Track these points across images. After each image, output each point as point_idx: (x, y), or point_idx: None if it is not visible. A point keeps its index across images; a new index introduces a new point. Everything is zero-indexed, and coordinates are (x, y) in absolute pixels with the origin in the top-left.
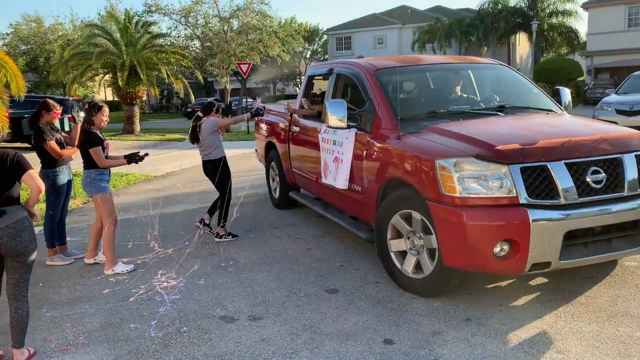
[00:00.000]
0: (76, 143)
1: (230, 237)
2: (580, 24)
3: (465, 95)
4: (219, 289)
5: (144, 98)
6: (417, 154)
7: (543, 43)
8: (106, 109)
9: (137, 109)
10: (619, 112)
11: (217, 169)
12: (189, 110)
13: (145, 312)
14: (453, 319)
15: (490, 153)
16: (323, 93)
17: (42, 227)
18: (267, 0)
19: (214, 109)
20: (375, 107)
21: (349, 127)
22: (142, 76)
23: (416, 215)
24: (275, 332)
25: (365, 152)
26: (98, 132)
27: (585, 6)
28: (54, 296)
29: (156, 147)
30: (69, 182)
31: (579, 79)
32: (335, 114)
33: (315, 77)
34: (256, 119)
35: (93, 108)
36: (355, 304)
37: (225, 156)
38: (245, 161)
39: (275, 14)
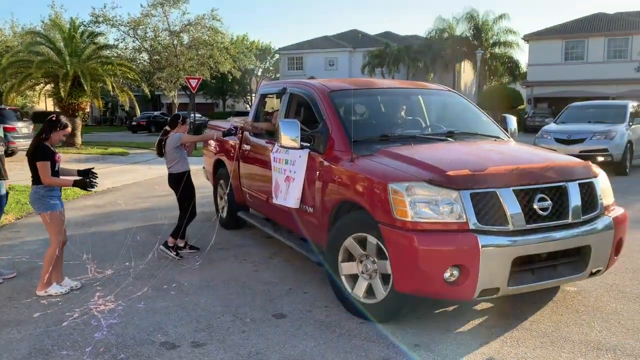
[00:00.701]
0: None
1: (175, 254)
2: (522, 56)
3: (416, 120)
4: (160, 313)
5: (87, 110)
6: (371, 177)
7: (486, 72)
8: (70, 128)
9: (79, 121)
10: (558, 140)
11: (179, 183)
12: (133, 123)
13: (79, 338)
14: (402, 345)
15: (441, 178)
16: (275, 111)
17: None
18: (219, 17)
19: (179, 120)
20: (329, 128)
21: (302, 147)
22: (86, 87)
23: (372, 239)
24: None
25: (318, 173)
26: (50, 145)
27: (526, 38)
28: None
29: (98, 161)
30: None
31: (519, 107)
32: (288, 134)
33: (268, 96)
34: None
35: (58, 123)
36: (303, 330)
37: (188, 171)
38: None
39: (227, 31)
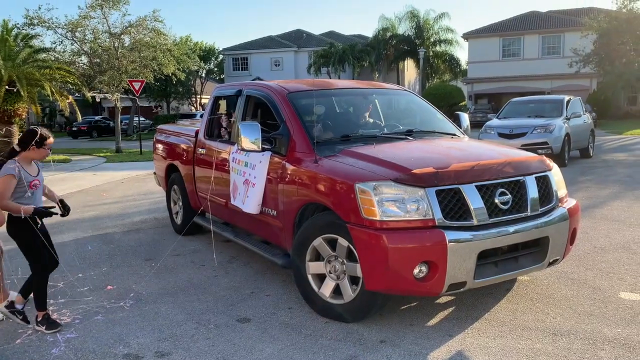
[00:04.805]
0: None
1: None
2: (462, 53)
3: (375, 120)
4: (119, 324)
5: (24, 116)
6: (336, 177)
7: (428, 69)
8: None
9: (16, 128)
10: (501, 135)
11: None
12: (74, 129)
13: (35, 355)
14: (368, 342)
15: (407, 177)
16: (229, 114)
17: None
18: (162, 18)
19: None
20: (290, 130)
21: (263, 149)
22: (22, 93)
23: (342, 241)
24: None
25: (280, 175)
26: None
27: (465, 36)
28: None
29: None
30: None
31: (461, 104)
32: (249, 136)
33: (222, 99)
34: (154, 139)
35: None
36: (269, 333)
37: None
38: (139, 184)
39: (169, 32)
